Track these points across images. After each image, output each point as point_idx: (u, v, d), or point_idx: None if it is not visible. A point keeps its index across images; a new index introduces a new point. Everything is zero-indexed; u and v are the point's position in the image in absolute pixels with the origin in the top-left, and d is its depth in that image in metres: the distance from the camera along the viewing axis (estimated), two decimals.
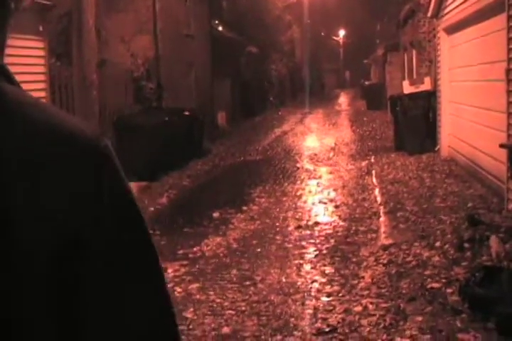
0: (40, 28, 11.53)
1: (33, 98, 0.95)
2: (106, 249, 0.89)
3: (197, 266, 7.69)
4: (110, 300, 0.90)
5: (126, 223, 0.93)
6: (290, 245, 8.50)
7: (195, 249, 8.43)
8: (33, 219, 0.84)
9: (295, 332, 5.59)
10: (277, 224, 9.71)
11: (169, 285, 6.96)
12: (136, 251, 0.93)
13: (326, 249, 8.21)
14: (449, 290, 5.99)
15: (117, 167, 0.94)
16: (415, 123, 14.95)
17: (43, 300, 0.85)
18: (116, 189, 0.93)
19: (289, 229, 9.41)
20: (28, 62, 11.09)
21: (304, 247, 8.37)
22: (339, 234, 8.94)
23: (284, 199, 11.57)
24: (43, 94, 11.58)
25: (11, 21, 1.00)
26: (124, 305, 0.91)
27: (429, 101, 15.15)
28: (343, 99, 53.28)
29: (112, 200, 0.91)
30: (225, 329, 5.74)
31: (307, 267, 7.53)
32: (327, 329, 5.58)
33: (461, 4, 11.70)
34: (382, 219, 9.36)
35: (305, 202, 11.35)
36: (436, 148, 14.59)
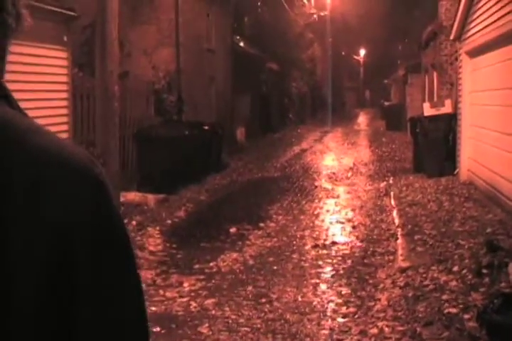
0: (65, 38, 11.63)
1: (34, 124, 1.01)
2: (91, 262, 0.97)
3: (213, 281, 7.68)
4: (94, 309, 0.97)
5: (109, 243, 1.00)
6: (307, 264, 8.48)
7: (211, 264, 8.42)
8: (30, 228, 0.92)
9: None
10: (294, 242, 9.69)
11: (184, 300, 6.97)
12: (114, 271, 1.01)
13: (343, 269, 8.18)
14: (466, 316, 5.93)
15: (109, 191, 1.02)
16: (435, 145, 14.90)
17: (33, 303, 0.92)
18: (105, 210, 1.01)
19: (306, 247, 9.39)
20: (52, 71, 11.19)
21: (320, 266, 8.35)
22: (356, 254, 8.90)
23: (302, 217, 11.55)
24: (65, 103, 11.67)
25: (12, 41, 1.04)
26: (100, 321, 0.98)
27: (449, 124, 15.10)
28: (363, 119, 53.24)
29: (100, 221, 0.99)
30: None
31: (323, 287, 7.50)
32: None
33: (484, 28, 11.70)
34: (399, 241, 9.30)
35: (322, 220, 11.33)
36: (455, 172, 14.51)
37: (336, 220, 11.27)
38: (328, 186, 15.25)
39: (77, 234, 0.95)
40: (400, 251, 8.71)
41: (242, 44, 27.70)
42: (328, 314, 6.55)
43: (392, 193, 13.41)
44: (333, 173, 17.45)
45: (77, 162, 0.99)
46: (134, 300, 1.04)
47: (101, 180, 1.01)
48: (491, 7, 11.09)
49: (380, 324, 6.09)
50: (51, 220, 0.93)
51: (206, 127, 16.23)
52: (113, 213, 1.02)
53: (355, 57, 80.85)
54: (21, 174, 0.92)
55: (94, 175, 1.00)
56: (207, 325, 6.23)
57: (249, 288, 7.43)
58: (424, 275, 7.36)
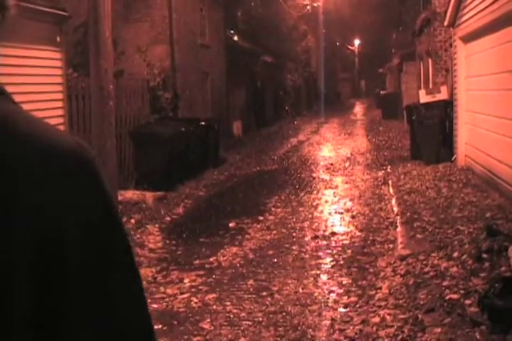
0: (58, 39, 11.59)
1: (31, 117, 1.00)
2: (83, 250, 0.94)
3: (213, 276, 7.68)
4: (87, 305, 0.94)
5: (102, 234, 0.98)
6: (307, 255, 8.48)
7: (211, 259, 8.42)
8: (26, 211, 0.90)
9: None
10: (294, 234, 9.69)
11: (185, 296, 6.97)
12: (112, 253, 0.99)
13: (343, 259, 8.18)
14: (467, 302, 5.92)
15: (101, 178, 1.00)
16: (432, 132, 14.89)
17: (24, 290, 0.89)
18: (98, 199, 0.99)
19: (306, 239, 9.38)
20: (46, 72, 11.15)
21: (320, 257, 8.35)
22: (356, 244, 8.90)
23: (301, 209, 11.54)
24: (60, 104, 11.64)
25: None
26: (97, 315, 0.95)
27: (445, 110, 15.08)
28: (359, 109, 53.20)
29: (94, 210, 0.97)
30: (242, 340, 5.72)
31: (324, 277, 7.50)
32: None
33: (478, 13, 11.67)
34: (399, 229, 9.30)
35: (321, 212, 11.32)
36: (452, 158, 14.51)
37: (334, 211, 11.27)
38: (326, 177, 15.24)
39: (68, 223, 0.93)
40: (399, 239, 8.71)
41: (235, 38, 27.67)
42: (330, 304, 6.55)
43: (390, 182, 13.41)
44: (331, 164, 17.44)
45: (66, 150, 0.97)
46: (134, 298, 1.01)
47: (93, 168, 0.99)
48: None
49: (381, 312, 6.09)
50: (42, 210, 0.91)
51: (202, 123, 16.21)
52: (107, 202, 1.00)
53: (350, 47, 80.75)
54: (13, 164, 0.91)
55: (85, 164, 0.98)
56: (208, 320, 6.23)
57: (250, 281, 7.43)
58: (424, 263, 7.36)
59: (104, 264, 0.96)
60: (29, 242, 0.89)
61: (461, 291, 6.21)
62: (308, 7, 44.51)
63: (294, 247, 8.90)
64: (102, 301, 0.95)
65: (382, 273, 7.37)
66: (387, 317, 5.96)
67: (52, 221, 0.91)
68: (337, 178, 14.98)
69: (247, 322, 6.12)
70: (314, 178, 15.18)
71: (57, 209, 0.92)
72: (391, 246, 8.55)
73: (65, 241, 0.91)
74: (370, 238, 9.12)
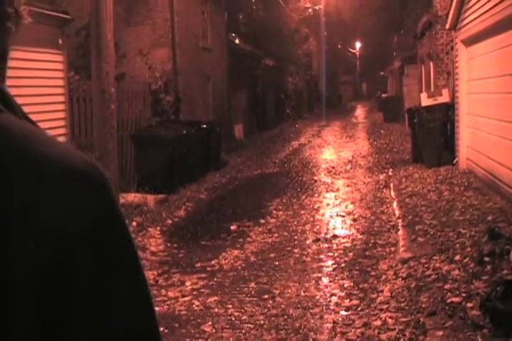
0: (60, 42, 11.61)
1: (34, 131, 0.96)
2: (93, 259, 0.91)
3: (215, 279, 7.68)
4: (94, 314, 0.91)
5: (112, 258, 0.95)
6: (308, 258, 8.47)
7: (213, 262, 8.42)
8: (29, 229, 0.87)
9: None
10: (295, 237, 9.69)
11: (187, 299, 6.96)
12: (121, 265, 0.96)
13: (345, 262, 8.17)
14: (469, 305, 5.91)
15: (112, 195, 0.97)
16: (433, 135, 14.89)
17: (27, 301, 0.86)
18: (108, 218, 0.96)
19: (307, 242, 9.38)
20: (47, 75, 11.16)
21: (322, 260, 8.34)
22: (357, 247, 8.89)
23: (302, 212, 11.54)
24: (61, 107, 11.65)
25: (12, 44, 1.00)
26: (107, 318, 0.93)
27: (447, 113, 15.08)
28: (360, 112, 53.19)
29: (104, 230, 0.94)
30: None
31: (326, 280, 7.49)
32: None
33: (479, 16, 11.67)
34: (400, 232, 9.30)
35: (323, 215, 11.31)
36: (454, 161, 14.50)
37: (336, 214, 11.26)
38: (328, 180, 15.24)
39: (77, 244, 0.89)
40: (401, 242, 8.70)
41: (237, 41, 27.68)
42: (331, 307, 6.54)
43: (391, 185, 13.41)
44: (332, 167, 17.43)
45: (75, 170, 0.93)
46: (141, 305, 0.98)
47: (104, 187, 0.96)
48: None
49: (383, 315, 6.09)
50: (51, 228, 0.88)
51: (204, 126, 16.21)
52: (117, 220, 0.98)
53: (351, 50, 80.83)
54: (19, 185, 0.87)
55: (95, 183, 0.95)
56: (210, 323, 6.23)
57: (252, 284, 7.42)
58: (426, 266, 7.36)
59: (110, 278, 0.94)
60: (25, 252, 0.86)
61: (463, 294, 6.21)
62: (309, 10, 44.57)
63: (295, 250, 8.89)
64: (107, 311, 0.93)
65: (383, 276, 7.36)
66: (389, 320, 5.96)
67: (60, 243, 0.88)
68: (338, 181, 14.97)
69: (249, 325, 6.12)
70: (316, 181, 15.18)
71: (56, 222, 0.89)
72: (393, 249, 8.55)
73: (73, 259, 0.89)
74: (372, 241, 9.11)
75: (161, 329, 5.97)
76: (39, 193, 0.89)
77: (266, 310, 6.51)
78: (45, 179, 0.90)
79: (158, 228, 10.48)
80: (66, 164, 0.93)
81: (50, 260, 0.88)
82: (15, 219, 0.86)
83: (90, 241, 0.91)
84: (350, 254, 8.52)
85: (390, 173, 15.16)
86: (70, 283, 0.89)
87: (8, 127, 0.92)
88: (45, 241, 0.88)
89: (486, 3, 11.07)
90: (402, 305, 6.31)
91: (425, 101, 15.71)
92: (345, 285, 7.21)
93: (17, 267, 0.86)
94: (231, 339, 5.82)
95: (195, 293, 7.20)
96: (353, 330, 5.83)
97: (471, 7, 12.55)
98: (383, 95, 42.40)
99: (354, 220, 10.61)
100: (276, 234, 9.86)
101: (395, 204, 11.32)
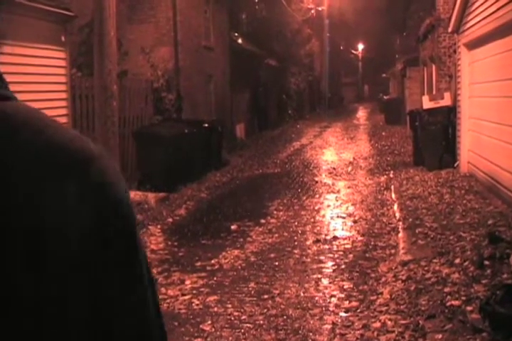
0: (62, 39, 11.62)
1: (36, 113, 0.95)
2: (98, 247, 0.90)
3: (215, 279, 7.68)
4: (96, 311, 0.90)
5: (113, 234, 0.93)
6: (308, 259, 8.47)
7: (213, 261, 8.42)
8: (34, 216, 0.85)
9: None
10: (295, 237, 9.69)
11: (187, 298, 6.97)
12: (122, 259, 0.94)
13: (345, 263, 8.17)
14: (469, 308, 5.91)
15: (111, 178, 0.94)
16: (434, 138, 14.89)
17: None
18: (111, 205, 0.94)
19: (308, 243, 9.38)
20: (50, 72, 11.18)
21: (322, 262, 8.34)
22: (358, 249, 8.89)
23: (303, 213, 11.54)
24: (64, 103, 11.66)
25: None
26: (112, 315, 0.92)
27: (448, 116, 15.09)
28: (362, 113, 53.17)
29: (109, 219, 0.93)
30: None
31: (325, 282, 7.49)
32: None
33: (482, 20, 11.67)
34: (401, 234, 9.30)
35: (323, 216, 11.32)
36: (455, 164, 14.50)
37: (336, 215, 11.26)
38: (329, 181, 15.24)
39: (79, 235, 0.87)
40: (401, 245, 8.70)
41: (240, 41, 27.66)
42: (331, 309, 6.54)
43: (392, 187, 13.41)
44: (333, 168, 17.43)
45: (80, 151, 0.91)
46: (145, 300, 0.97)
47: (104, 165, 0.93)
48: None
49: (382, 318, 6.09)
50: (51, 209, 0.86)
51: (206, 125, 16.21)
52: (121, 207, 0.95)
53: (354, 51, 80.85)
54: (19, 171, 0.86)
55: (95, 163, 0.92)
56: (209, 322, 6.23)
57: (251, 284, 7.43)
58: (426, 268, 7.36)
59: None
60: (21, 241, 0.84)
61: (463, 298, 6.20)
62: (312, 11, 44.59)
63: (295, 251, 8.89)
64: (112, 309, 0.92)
65: (383, 279, 7.36)
66: (388, 322, 5.96)
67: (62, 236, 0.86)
68: (339, 183, 14.97)
69: (248, 325, 6.12)
70: (317, 182, 15.18)
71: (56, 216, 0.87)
72: (393, 251, 8.55)
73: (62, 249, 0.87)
74: (372, 243, 9.11)
75: None
76: (44, 182, 0.87)
77: (265, 310, 6.51)
78: (50, 167, 0.88)
79: (159, 226, 10.49)
80: (74, 151, 0.91)
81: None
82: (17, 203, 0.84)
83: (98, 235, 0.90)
84: (350, 256, 8.53)
85: (391, 175, 15.17)
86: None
87: (13, 115, 0.91)
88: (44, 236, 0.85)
89: (489, 7, 11.08)
90: (402, 307, 6.31)
91: (427, 104, 15.71)
92: (345, 287, 7.22)
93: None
94: (230, 338, 5.82)
95: (194, 291, 7.20)
96: (352, 332, 5.83)
97: (474, 10, 12.56)
98: (385, 97, 42.40)
99: (354, 222, 10.61)
100: (276, 235, 9.86)
101: (395, 207, 11.32)
